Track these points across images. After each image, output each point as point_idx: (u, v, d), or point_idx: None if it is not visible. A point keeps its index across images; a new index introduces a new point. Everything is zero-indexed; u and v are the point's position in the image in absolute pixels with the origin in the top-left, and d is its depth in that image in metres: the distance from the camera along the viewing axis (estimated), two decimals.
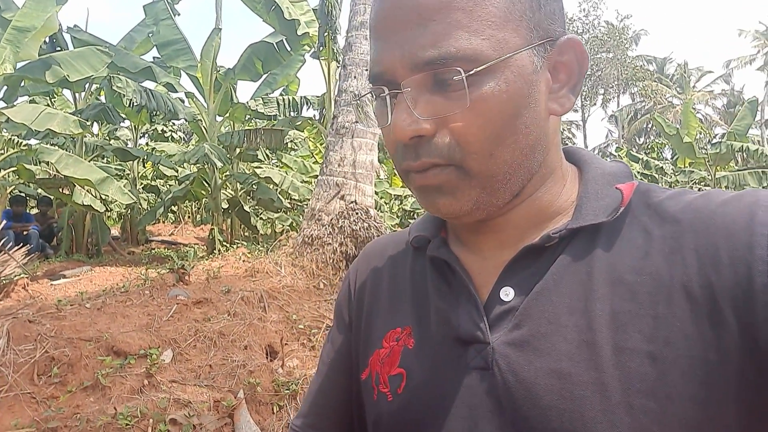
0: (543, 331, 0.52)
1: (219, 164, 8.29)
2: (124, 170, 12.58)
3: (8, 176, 9.69)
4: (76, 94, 10.04)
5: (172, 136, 15.35)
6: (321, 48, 7.63)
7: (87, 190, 8.23)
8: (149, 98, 8.47)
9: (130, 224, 11.93)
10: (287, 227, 11.54)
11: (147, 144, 14.70)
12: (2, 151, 9.76)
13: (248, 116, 10.67)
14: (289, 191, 10.36)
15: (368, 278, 0.74)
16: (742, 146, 12.85)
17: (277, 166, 12.83)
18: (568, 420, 0.48)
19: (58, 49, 8.70)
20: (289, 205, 11.46)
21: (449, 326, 0.59)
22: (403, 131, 0.51)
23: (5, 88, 7.93)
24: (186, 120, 9.95)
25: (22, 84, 8.22)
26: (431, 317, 0.62)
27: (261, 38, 9.12)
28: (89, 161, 9.07)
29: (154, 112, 9.19)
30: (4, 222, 7.53)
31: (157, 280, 4.56)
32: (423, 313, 0.63)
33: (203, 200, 13.08)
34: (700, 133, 15.71)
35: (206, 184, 9.84)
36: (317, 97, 10.16)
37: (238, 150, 10.22)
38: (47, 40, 8.31)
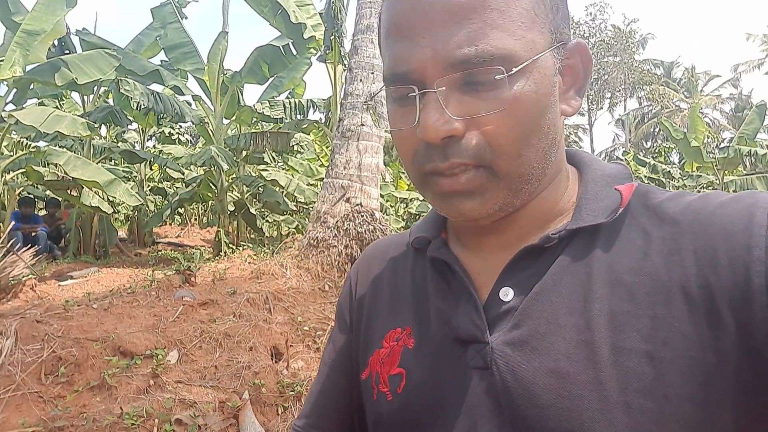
0: (542, 330, 0.52)
1: (225, 167, 8.33)
2: (132, 172, 12.66)
3: (17, 178, 9.78)
4: (85, 97, 10.12)
5: (179, 139, 15.45)
6: (327, 51, 7.66)
7: (95, 192, 8.28)
8: (156, 101, 8.53)
9: (137, 226, 12.00)
10: (293, 230, 11.56)
11: (154, 146, 14.79)
12: (11, 153, 9.86)
13: (255, 119, 10.72)
14: (295, 194, 10.39)
15: (369, 279, 0.75)
16: (750, 150, 12.77)
17: (283, 169, 12.87)
18: (565, 419, 0.49)
19: (67, 52, 8.78)
20: (294, 208, 11.49)
21: (449, 326, 0.59)
22: (437, 131, 0.50)
23: (15, 90, 8.00)
24: (193, 123, 10.00)
25: (31, 87, 8.30)
26: (431, 317, 0.62)
27: (267, 41, 9.17)
28: (97, 163, 9.14)
29: (161, 115, 9.25)
30: (13, 223, 7.59)
31: (163, 281, 4.58)
32: (423, 314, 0.63)
33: (210, 202, 13.14)
34: (708, 137, 15.62)
35: (213, 187, 9.89)
36: (323, 100, 10.20)
37: (244, 153, 10.27)
38: (55, 43, 8.39)
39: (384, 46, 0.55)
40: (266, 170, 11.32)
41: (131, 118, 10.56)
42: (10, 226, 7.03)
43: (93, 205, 8.11)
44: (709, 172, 15.04)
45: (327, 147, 12.72)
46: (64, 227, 9.84)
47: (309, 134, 10.78)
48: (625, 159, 20.18)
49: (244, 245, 8.30)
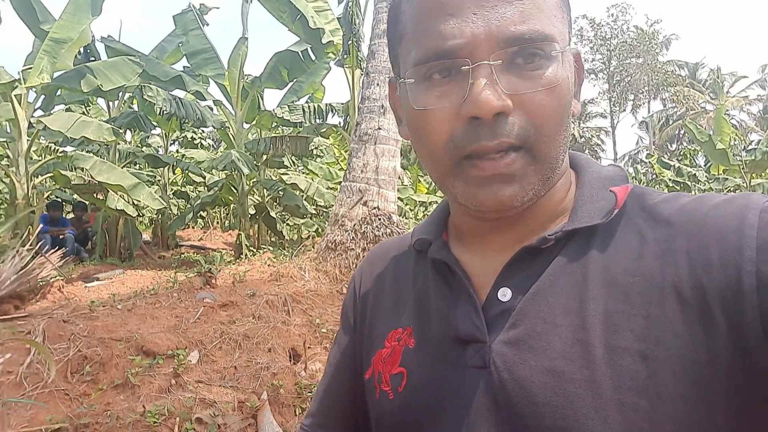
0: (538, 330, 0.53)
1: (246, 171, 8.45)
2: (155, 176, 12.89)
3: (46, 182, 10.06)
4: (110, 103, 10.36)
5: (202, 143, 15.68)
6: (345, 56, 7.73)
7: (120, 196, 8.47)
8: (179, 106, 8.70)
9: (160, 229, 12.21)
10: (313, 233, 11.65)
11: (177, 151, 15.06)
12: (40, 158, 10.14)
13: (274, 123, 10.84)
14: (315, 197, 10.47)
15: (372, 281, 0.76)
16: None
17: (303, 173, 12.99)
18: (560, 417, 0.49)
19: (92, 59, 9.00)
20: (314, 211, 11.57)
21: (449, 326, 0.60)
22: (492, 105, 0.50)
23: (43, 97, 8.25)
24: (214, 127, 10.17)
25: (59, 93, 8.53)
26: (432, 317, 0.63)
27: (286, 47, 9.28)
28: (122, 167, 9.34)
29: (184, 120, 9.43)
30: (41, 226, 7.81)
31: (185, 283, 4.67)
32: (424, 314, 0.65)
33: (231, 206, 13.31)
34: (735, 140, 15.28)
35: (234, 191, 10.02)
36: (342, 104, 10.27)
37: (264, 157, 10.38)
38: (81, 50, 8.61)
39: (420, 26, 0.55)
40: (286, 174, 11.43)
41: (155, 123, 10.78)
42: (39, 229, 7.24)
43: (118, 208, 8.29)
44: (736, 175, 14.71)
45: (346, 151, 12.79)
46: (90, 230, 10.08)
47: (328, 138, 10.87)
48: (650, 162, 19.86)
49: (264, 248, 8.40)
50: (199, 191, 14.94)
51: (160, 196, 9.29)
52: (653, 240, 0.53)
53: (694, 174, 15.92)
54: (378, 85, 5.72)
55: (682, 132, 33.09)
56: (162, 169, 12.19)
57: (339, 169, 12.91)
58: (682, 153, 23.17)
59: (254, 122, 10.47)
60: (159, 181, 12.82)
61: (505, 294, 0.58)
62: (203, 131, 15.73)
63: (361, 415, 0.73)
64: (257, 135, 11.32)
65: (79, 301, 4.80)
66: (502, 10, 0.51)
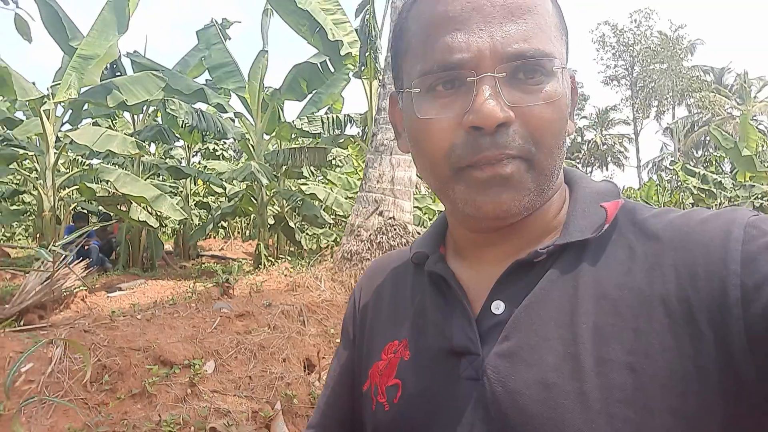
0: (530, 343, 0.54)
1: (265, 182, 8.56)
2: (178, 187, 13.14)
3: (72, 194, 10.33)
4: (135, 116, 10.62)
5: (223, 155, 15.94)
6: (363, 68, 7.81)
7: (143, 207, 8.66)
8: (200, 119, 8.88)
9: (182, 239, 12.42)
10: (332, 242, 11.71)
11: (199, 162, 15.32)
12: (67, 171, 10.42)
13: (294, 135, 10.96)
14: (333, 207, 10.55)
15: (371, 294, 0.78)
16: None
17: (322, 183, 13.10)
18: (551, 428, 0.50)
19: (118, 74, 9.25)
20: (332, 221, 11.64)
21: (444, 338, 0.61)
22: (496, 115, 0.52)
23: (70, 111, 8.50)
24: (235, 139, 10.33)
25: (86, 107, 8.79)
26: (428, 330, 0.64)
27: (306, 59, 9.40)
28: (146, 179, 9.56)
29: (205, 132, 9.61)
30: (66, 237, 8.02)
31: (203, 293, 4.74)
32: (420, 326, 0.66)
33: (251, 216, 13.47)
34: (762, 146, 14.93)
35: (253, 201, 10.15)
36: (360, 115, 10.35)
37: (284, 167, 10.51)
38: (108, 65, 8.86)
39: (428, 39, 0.57)
40: (306, 184, 11.54)
41: (178, 136, 11.01)
42: (65, 240, 7.42)
43: (140, 219, 8.47)
44: (763, 181, 14.35)
45: (364, 161, 12.85)
46: (114, 241, 10.30)
47: (346, 149, 10.95)
48: (674, 169, 19.50)
49: (282, 258, 8.48)
50: (220, 202, 15.17)
51: (181, 207, 9.47)
52: (642, 254, 0.54)
53: (720, 181, 15.57)
54: None
55: (707, 138, 32.41)
56: (184, 180, 12.42)
57: (358, 179, 12.97)
58: (707, 160, 22.72)
59: (274, 134, 10.61)
60: (181, 192, 13.06)
61: (498, 307, 0.59)
62: (225, 143, 15.99)
63: (360, 427, 0.74)
64: (277, 146, 11.47)
65: (101, 311, 4.90)
66: (506, 27, 0.54)
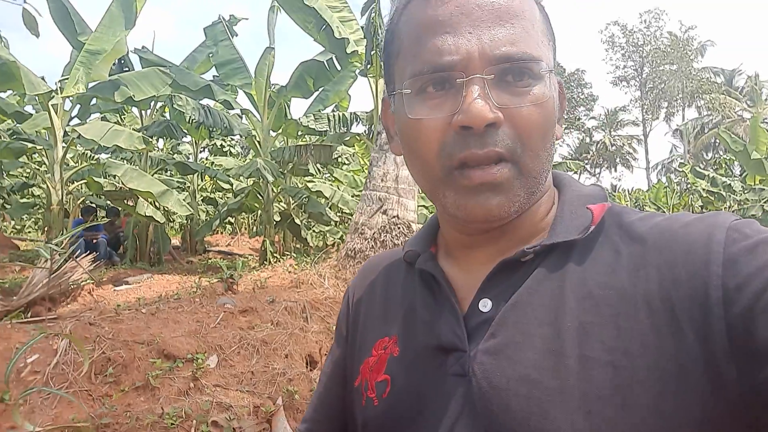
0: (515, 340, 0.56)
1: (270, 179, 8.59)
2: (185, 183, 13.21)
3: (81, 188, 10.41)
4: (143, 112, 10.68)
5: (230, 151, 16.00)
6: (368, 65, 7.81)
7: (150, 202, 8.72)
8: (207, 115, 8.92)
9: (189, 235, 12.48)
10: (338, 240, 11.75)
11: (206, 158, 15.39)
12: (76, 165, 10.50)
13: (300, 132, 10.99)
14: (339, 205, 10.57)
15: (364, 292, 0.80)
16: None
17: (328, 181, 13.13)
18: (533, 424, 0.51)
19: (126, 69, 9.31)
20: (338, 219, 11.67)
21: (432, 335, 0.63)
22: (484, 115, 0.53)
23: (79, 106, 8.56)
24: (241, 135, 10.37)
25: (94, 102, 8.85)
26: (417, 327, 0.66)
27: (312, 57, 9.41)
28: (153, 174, 9.62)
29: (212, 128, 9.65)
30: (80, 232, 8.10)
31: (207, 288, 4.78)
32: (410, 323, 0.67)
33: (258, 213, 13.52)
34: None
35: (260, 198, 10.19)
36: (367, 113, 10.37)
37: (290, 165, 10.54)
38: (116, 61, 8.92)
39: (418, 42, 0.58)
40: (312, 182, 11.57)
41: (185, 131, 11.06)
42: (73, 233, 7.48)
43: (147, 214, 8.52)
44: None
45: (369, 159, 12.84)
46: (122, 235, 10.37)
47: (352, 147, 10.96)
48: (683, 171, 19.37)
49: (288, 255, 8.51)
50: (227, 198, 15.24)
51: (188, 203, 9.52)
52: (627, 256, 0.55)
53: (729, 184, 15.44)
54: None
55: (717, 141, 32.16)
56: (191, 176, 12.48)
57: (364, 177, 12.99)
58: (717, 162, 22.54)
59: (280, 131, 10.64)
60: (188, 187, 13.12)
61: (485, 305, 0.60)
62: (232, 139, 16.06)
63: (351, 421, 0.76)
64: (284, 143, 11.50)
65: (107, 304, 4.96)
66: (494, 31, 0.55)
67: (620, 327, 0.51)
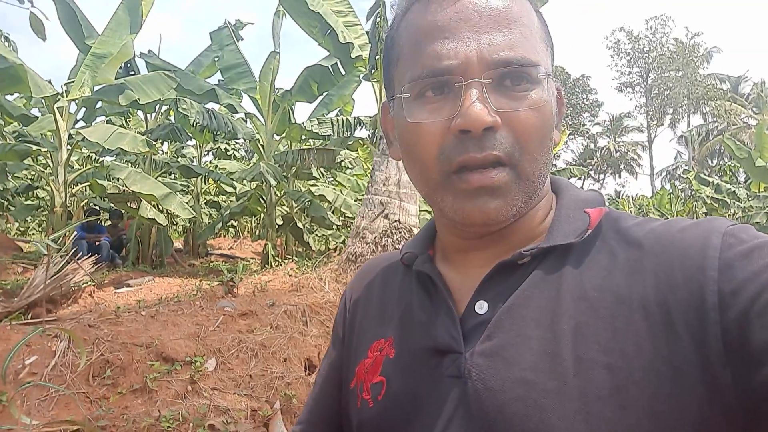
0: (512, 342, 0.56)
1: (273, 182, 8.61)
2: (189, 186, 13.25)
3: (85, 190, 10.46)
4: (148, 115, 10.74)
5: (234, 154, 16.06)
6: (373, 70, 7.83)
7: (153, 205, 8.74)
8: (211, 119, 8.96)
9: (192, 237, 12.51)
10: (340, 244, 11.75)
11: (210, 161, 15.44)
12: (80, 167, 10.55)
13: (304, 136, 11.02)
14: (342, 209, 10.58)
15: (361, 294, 0.80)
16: None
17: (332, 185, 13.14)
18: (530, 426, 0.51)
19: (132, 73, 9.37)
20: (340, 223, 11.68)
21: (428, 337, 0.63)
22: (483, 119, 0.54)
23: (84, 109, 8.62)
24: (245, 139, 10.41)
25: (99, 105, 8.90)
26: (413, 328, 0.66)
27: (317, 61, 9.44)
28: (157, 177, 9.65)
29: (216, 132, 9.69)
30: (75, 233, 8.13)
31: (207, 291, 4.78)
32: (406, 325, 0.67)
33: (261, 216, 13.55)
34: None
35: (262, 201, 10.21)
36: (370, 117, 10.38)
37: (293, 168, 10.56)
38: (123, 64, 8.97)
39: (418, 47, 0.59)
40: (315, 185, 11.59)
41: (190, 135, 11.12)
42: (74, 236, 7.52)
43: (150, 217, 8.55)
44: None
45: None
46: (125, 237, 10.41)
47: (355, 151, 10.98)
48: (687, 178, 19.31)
49: (290, 258, 8.51)
50: (230, 201, 15.28)
51: (191, 206, 9.54)
52: (624, 260, 0.56)
53: (734, 191, 15.40)
54: None
55: (722, 147, 32.04)
56: (195, 179, 12.52)
57: (367, 181, 12.99)
58: (722, 169, 22.46)
59: (284, 135, 10.67)
60: (192, 190, 13.16)
61: (482, 307, 0.60)
62: (237, 142, 16.11)
63: (346, 423, 0.76)
64: (288, 147, 11.52)
65: (107, 307, 4.96)
66: (493, 36, 0.56)
67: (616, 329, 0.51)
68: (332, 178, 13.82)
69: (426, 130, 0.58)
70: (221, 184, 13.50)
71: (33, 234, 15.99)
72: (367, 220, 5.50)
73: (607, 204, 0.65)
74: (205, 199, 15.13)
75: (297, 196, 10.01)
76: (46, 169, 11.50)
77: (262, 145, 10.15)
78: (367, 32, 8.22)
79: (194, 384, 3.34)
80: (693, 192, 18.07)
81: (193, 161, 13.44)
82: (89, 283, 5.88)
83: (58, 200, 7.88)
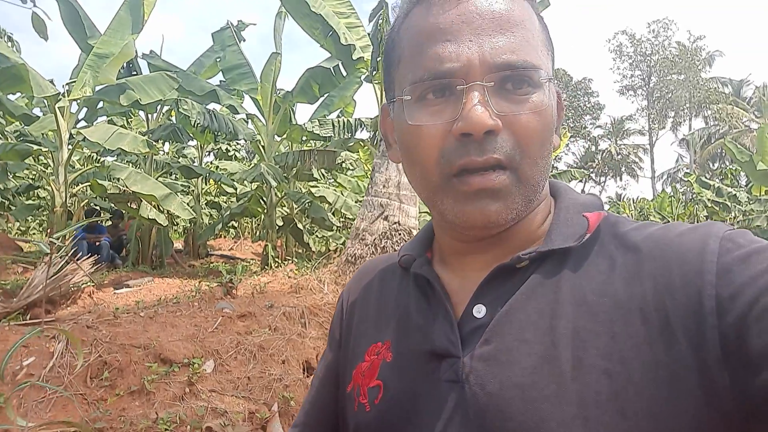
0: (509, 346, 0.55)
1: (273, 183, 8.61)
2: (189, 186, 13.25)
3: (85, 190, 10.47)
4: (149, 115, 10.75)
5: (236, 155, 16.06)
6: (374, 72, 7.83)
7: (153, 205, 8.74)
8: (211, 120, 8.96)
9: (192, 238, 12.52)
10: (340, 245, 11.74)
11: (211, 162, 15.44)
12: (81, 167, 10.55)
13: (305, 137, 11.02)
14: (343, 210, 10.57)
15: (358, 297, 0.79)
16: None
17: (333, 186, 13.14)
18: (528, 431, 0.51)
19: (134, 73, 9.38)
20: (340, 224, 11.68)
21: (426, 341, 0.62)
22: (484, 122, 0.54)
23: (86, 109, 8.62)
24: (246, 140, 10.41)
25: (101, 105, 8.91)
26: (410, 332, 0.66)
27: (318, 63, 9.45)
28: (157, 178, 9.66)
29: (217, 133, 9.70)
30: (75, 233, 8.13)
31: (206, 292, 4.77)
32: (403, 328, 0.67)
33: (261, 217, 13.56)
34: None
35: (262, 202, 10.21)
36: (371, 119, 10.38)
37: (294, 169, 10.56)
38: (124, 65, 8.98)
39: (419, 49, 0.59)
40: (316, 187, 11.59)
41: (191, 135, 11.13)
42: (75, 236, 7.52)
43: (150, 217, 8.55)
44: None
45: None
46: (125, 238, 10.42)
47: (356, 152, 10.98)
48: (689, 181, 19.29)
49: (290, 259, 8.51)
50: (231, 202, 15.28)
51: (192, 207, 9.54)
52: (622, 264, 0.56)
53: (735, 195, 15.37)
54: None
55: (723, 151, 32.00)
56: (196, 179, 12.53)
57: (368, 183, 12.98)
58: (723, 173, 22.44)
59: (285, 136, 10.67)
60: (193, 191, 13.17)
61: (479, 311, 0.60)
62: (238, 143, 16.12)
63: (343, 427, 0.76)
64: (289, 148, 11.53)
65: (106, 307, 4.96)
66: (495, 39, 0.56)
67: (615, 334, 0.51)
68: (333, 180, 13.82)
69: (427, 132, 0.58)
70: (222, 185, 13.50)
71: (34, 234, 16.00)
72: (366, 221, 5.49)
73: (605, 208, 0.64)
74: (205, 199, 15.14)
75: (297, 197, 10.01)
76: (47, 168, 11.51)
77: (263, 146, 10.15)
78: (368, 34, 8.21)
79: (192, 386, 3.33)
80: (694, 195, 18.05)
81: (194, 162, 13.45)
82: (88, 283, 5.87)
83: (58, 200, 7.88)
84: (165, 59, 10.08)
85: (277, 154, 10.18)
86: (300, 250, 11.23)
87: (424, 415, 0.59)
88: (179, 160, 12.33)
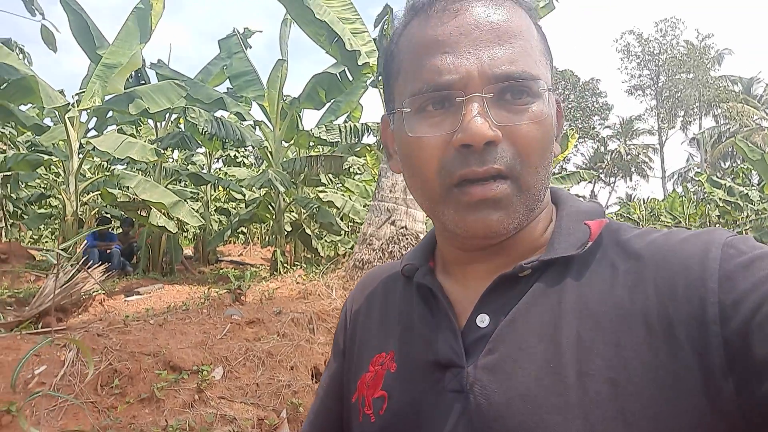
0: (513, 356, 0.55)
1: (281, 189, 8.65)
2: (199, 193, 13.34)
3: (96, 198, 10.57)
4: (158, 123, 10.85)
5: (244, 161, 16.15)
6: (380, 77, 7.86)
7: (163, 213, 8.81)
8: (219, 127, 9.03)
9: (202, 245, 12.59)
10: (349, 250, 11.76)
11: (219, 169, 15.54)
12: (91, 176, 10.66)
13: (312, 143, 11.06)
14: (350, 215, 10.59)
15: (362, 306, 0.79)
16: None
17: (340, 191, 13.18)
18: None
19: (143, 82, 9.48)
20: (349, 229, 11.70)
21: (430, 351, 0.63)
22: (484, 133, 0.54)
23: (95, 119, 8.73)
24: (253, 146, 10.47)
25: (110, 115, 9.02)
26: (414, 342, 0.66)
27: (324, 69, 9.50)
28: (167, 185, 9.74)
29: (224, 140, 9.77)
30: (86, 241, 8.21)
31: (215, 299, 4.80)
32: (407, 338, 0.67)
33: (270, 223, 13.61)
34: None
35: (271, 208, 10.26)
36: (377, 123, 10.41)
37: (302, 175, 10.60)
38: (133, 74, 9.08)
39: (418, 62, 0.59)
40: (324, 192, 11.62)
41: (199, 143, 11.20)
42: (85, 244, 7.60)
43: (160, 224, 8.62)
44: None
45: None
46: (136, 245, 10.50)
47: (363, 157, 11.01)
48: (699, 180, 19.11)
49: (299, 265, 8.53)
50: (240, 208, 15.36)
51: (201, 213, 9.60)
52: (624, 272, 0.55)
53: (747, 194, 15.21)
54: None
55: (734, 150, 31.67)
56: (205, 186, 12.61)
57: (374, 188, 12.99)
58: (734, 172, 22.20)
59: (292, 141, 10.73)
60: (202, 198, 13.25)
61: (483, 320, 0.60)
62: (246, 150, 16.21)
63: None
64: (296, 154, 11.58)
65: (117, 315, 5.00)
66: (493, 50, 0.56)
67: (619, 342, 0.51)
68: (340, 184, 13.86)
69: (427, 144, 0.58)
70: (231, 192, 13.58)
71: (46, 242, 16.17)
72: (373, 226, 5.50)
73: (612, 210, 0.64)
74: (214, 206, 15.23)
75: (305, 203, 10.05)
76: (58, 178, 11.63)
77: (271, 152, 10.21)
78: (374, 39, 8.24)
79: (201, 393, 3.35)
80: (705, 195, 17.89)
81: (202, 169, 13.54)
82: (100, 291, 5.93)
83: (69, 209, 7.97)
84: (173, 68, 10.19)
85: (284, 160, 10.23)
86: (309, 255, 11.25)
87: (429, 425, 0.59)
88: (188, 168, 12.42)
